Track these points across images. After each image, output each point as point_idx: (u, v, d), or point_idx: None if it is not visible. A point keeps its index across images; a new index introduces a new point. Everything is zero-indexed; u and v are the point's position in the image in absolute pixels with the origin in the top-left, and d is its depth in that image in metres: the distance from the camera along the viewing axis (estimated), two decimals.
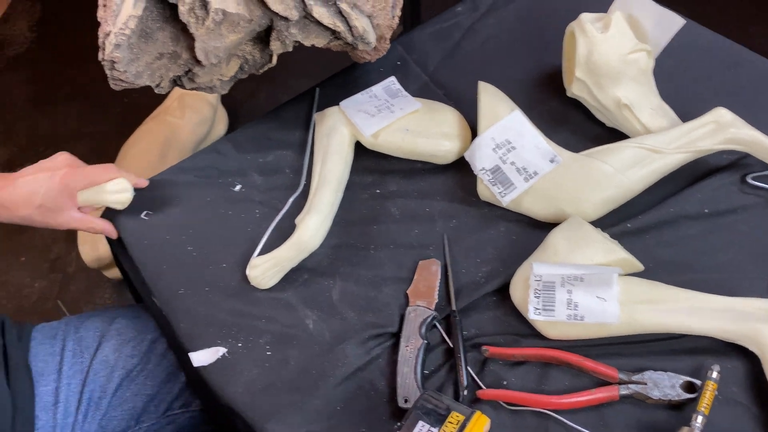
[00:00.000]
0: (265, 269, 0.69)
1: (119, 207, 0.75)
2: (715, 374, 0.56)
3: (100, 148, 1.92)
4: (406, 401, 0.60)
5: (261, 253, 0.71)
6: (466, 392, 0.61)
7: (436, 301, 0.67)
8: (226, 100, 1.81)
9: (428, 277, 0.69)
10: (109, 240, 0.81)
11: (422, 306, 0.66)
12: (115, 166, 0.77)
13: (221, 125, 1.78)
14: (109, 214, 0.78)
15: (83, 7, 2.32)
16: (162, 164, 1.24)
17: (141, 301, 0.89)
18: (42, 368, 0.80)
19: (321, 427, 0.61)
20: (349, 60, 0.84)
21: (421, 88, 0.85)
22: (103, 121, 1.96)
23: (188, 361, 0.68)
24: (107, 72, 0.71)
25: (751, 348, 0.59)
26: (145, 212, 0.78)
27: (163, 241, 0.75)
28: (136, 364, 0.82)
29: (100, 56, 0.69)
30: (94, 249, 1.44)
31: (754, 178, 0.73)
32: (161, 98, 1.76)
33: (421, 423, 0.52)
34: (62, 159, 0.75)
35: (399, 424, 0.52)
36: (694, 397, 0.57)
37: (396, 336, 0.65)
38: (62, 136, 1.95)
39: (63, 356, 0.81)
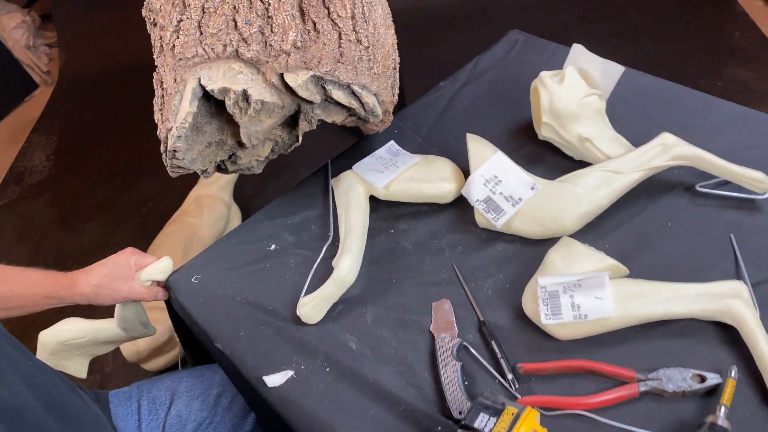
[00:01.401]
0: (313, 306, 0.82)
1: (161, 278, 0.90)
2: (733, 373, 0.67)
3: None
4: (460, 413, 0.70)
5: (306, 294, 0.84)
6: (515, 385, 0.71)
7: (457, 332, 0.79)
8: (237, 197, 1.98)
9: (444, 314, 0.82)
10: (170, 310, 0.94)
11: (447, 336, 0.79)
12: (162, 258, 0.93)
13: (236, 219, 1.94)
14: (169, 278, 0.92)
15: (95, 135, 2.56)
16: (186, 261, 1.38)
17: (201, 364, 1.01)
18: (123, 426, 0.90)
19: (392, 427, 0.71)
20: (343, 146, 1.00)
21: (417, 149, 1.02)
22: (124, 231, 2.12)
23: (257, 398, 0.78)
24: (167, 162, 0.86)
25: (728, 321, 0.71)
26: (194, 277, 0.92)
27: (214, 296, 0.88)
28: (205, 417, 0.92)
29: (162, 148, 0.85)
30: (133, 344, 1.54)
31: (702, 186, 0.88)
32: (176, 206, 1.93)
33: (482, 414, 0.62)
34: (127, 248, 0.91)
35: (464, 414, 0.63)
36: (704, 386, 0.67)
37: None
38: (87, 249, 2.09)
39: (140, 414, 0.92)
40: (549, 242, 0.83)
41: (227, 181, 1.96)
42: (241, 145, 0.89)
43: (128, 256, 0.89)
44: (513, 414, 0.62)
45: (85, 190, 2.33)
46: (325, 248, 0.91)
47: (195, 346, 1.03)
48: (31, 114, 2.84)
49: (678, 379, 0.69)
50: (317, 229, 0.95)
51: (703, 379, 0.68)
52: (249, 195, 2.07)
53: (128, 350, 1.54)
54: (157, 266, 0.90)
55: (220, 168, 0.96)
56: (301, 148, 1.19)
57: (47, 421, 0.65)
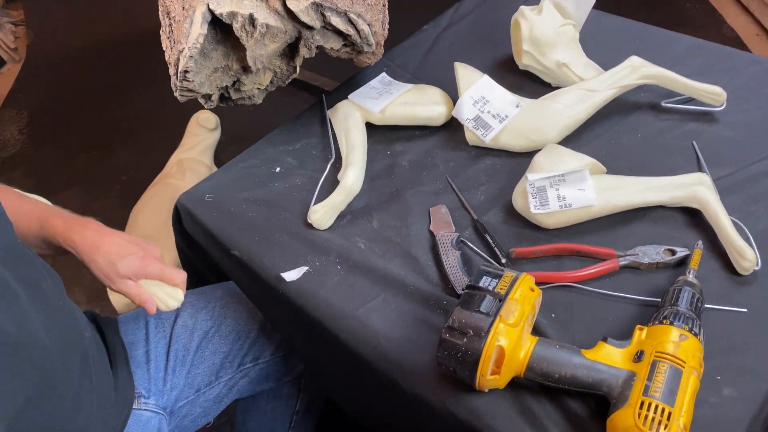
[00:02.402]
0: (324, 213, 0.89)
1: (162, 307, 0.83)
2: (699, 244, 0.76)
3: (108, 220, 2.08)
4: (463, 290, 0.77)
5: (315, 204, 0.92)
6: (508, 267, 0.80)
7: (454, 229, 0.88)
8: (218, 163, 2.03)
9: (441, 216, 0.90)
10: (177, 225, 1.00)
11: (446, 232, 0.87)
12: (183, 275, 0.85)
13: None
14: (179, 197, 0.97)
15: (68, 109, 2.56)
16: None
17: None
18: (132, 339, 0.95)
19: (400, 306, 0.79)
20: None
21: (407, 83, 1.10)
22: (104, 199, 2.14)
23: (273, 296, 0.85)
24: (177, 84, 0.92)
25: (694, 205, 0.81)
26: (207, 195, 0.98)
27: (228, 211, 0.95)
28: (211, 326, 0.98)
29: (172, 71, 0.91)
30: (123, 297, 1.57)
31: (667, 102, 0.98)
32: (155, 174, 1.97)
33: (485, 277, 0.70)
34: (154, 249, 0.85)
35: (469, 279, 0.71)
36: (674, 258, 0.77)
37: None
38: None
39: (147, 329, 0.97)
40: (533, 155, 0.91)
41: (207, 145, 2.00)
42: (245, 70, 0.95)
43: (144, 261, 0.82)
44: (512, 277, 0.70)
45: (62, 161, 2.33)
46: (329, 166, 0.98)
47: (200, 272, 1.09)
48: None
49: (652, 253, 0.78)
50: (318, 153, 1.02)
51: (673, 253, 0.78)
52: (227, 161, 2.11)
53: (119, 303, 1.57)
54: (173, 292, 0.83)
55: (224, 97, 1.02)
56: (276, 114, 1.25)
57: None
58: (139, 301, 0.82)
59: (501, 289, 0.69)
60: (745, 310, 0.72)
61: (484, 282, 0.70)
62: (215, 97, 1.01)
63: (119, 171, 2.22)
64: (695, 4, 2.43)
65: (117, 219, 1.88)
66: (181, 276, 0.85)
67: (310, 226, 0.90)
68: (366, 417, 0.92)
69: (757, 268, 0.74)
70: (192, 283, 1.12)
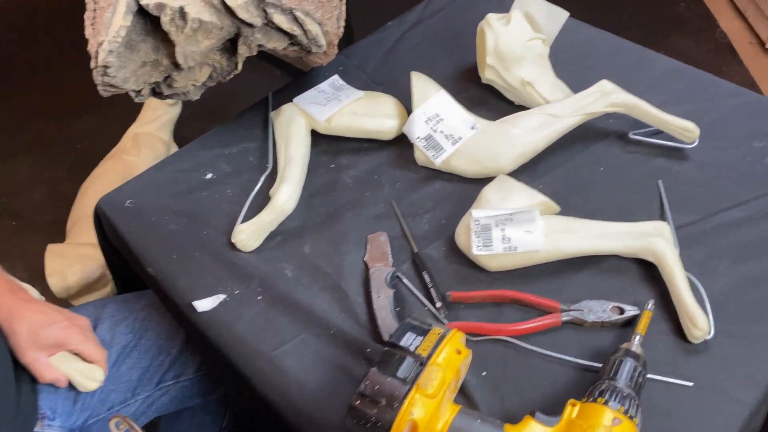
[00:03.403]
0: (250, 233, 0.81)
1: (80, 388, 0.80)
2: (650, 305, 0.69)
3: (57, 193, 2.00)
4: (390, 336, 0.70)
5: (242, 222, 0.83)
6: (444, 312, 0.73)
7: (391, 261, 0.80)
8: (177, 138, 1.93)
9: (379, 246, 0.82)
10: (99, 229, 0.92)
11: (381, 266, 0.79)
12: (103, 353, 0.82)
13: None
14: (100, 200, 0.89)
15: (24, 74, 2.43)
16: None
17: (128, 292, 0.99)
18: None
19: (320, 350, 0.72)
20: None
21: (362, 86, 1.00)
22: (59, 167, 2.04)
23: (186, 322, 0.78)
24: (98, 79, 0.83)
25: (649, 258, 0.74)
26: (128, 201, 0.89)
27: (148, 221, 0.86)
28: (130, 341, 0.91)
29: (92, 64, 0.82)
30: (62, 279, 1.49)
31: (634, 134, 0.91)
32: (112, 144, 1.87)
33: (408, 333, 0.63)
34: (81, 319, 0.83)
35: (391, 334, 0.64)
36: (622, 318, 0.70)
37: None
38: (20, 183, 2.01)
39: None
40: (485, 181, 0.84)
41: (167, 120, 1.90)
42: (177, 66, 0.86)
43: (67, 331, 0.79)
44: (439, 334, 0.63)
45: (16, 125, 2.22)
46: (263, 178, 0.89)
47: (126, 276, 1.01)
48: None
49: (598, 310, 0.72)
50: (255, 160, 0.94)
51: (621, 311, 0.71)
52: (190, 136, 2.01)
53: (57, 286, 1.50)
54: (91, 372, 0.80)
55: (155, 91, 0.93)
56: (244, 89, 1.16)
57: None
58: (46, 379, 0.78)
59: (424, 349, 0.62)
60: (691, 384, 0.66)
61: (407, 339, 0.63)
62: (145, 92, 0.91)
63: (74, 139, 2.11)
64: (690, 5, 2.34)
65: (66, 192, 1.79)
66: (102, 354, 0.81)
67: (234, 246, 0.82)
68: None
69: (708, 337, 0.68)
70: (117, 288, 1.05)
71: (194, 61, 0.86)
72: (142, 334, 0.92)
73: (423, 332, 0.63)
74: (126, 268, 0.95)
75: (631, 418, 0.59)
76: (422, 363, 0.60)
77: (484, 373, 0.69)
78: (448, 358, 0.62)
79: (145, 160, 1.80)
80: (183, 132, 1.95)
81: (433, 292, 0.76)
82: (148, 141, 1.86)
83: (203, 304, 0.76)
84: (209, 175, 0.92)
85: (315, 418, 0.67)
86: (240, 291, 0.78)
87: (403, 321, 0.65)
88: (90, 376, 0.79)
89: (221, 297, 0.77)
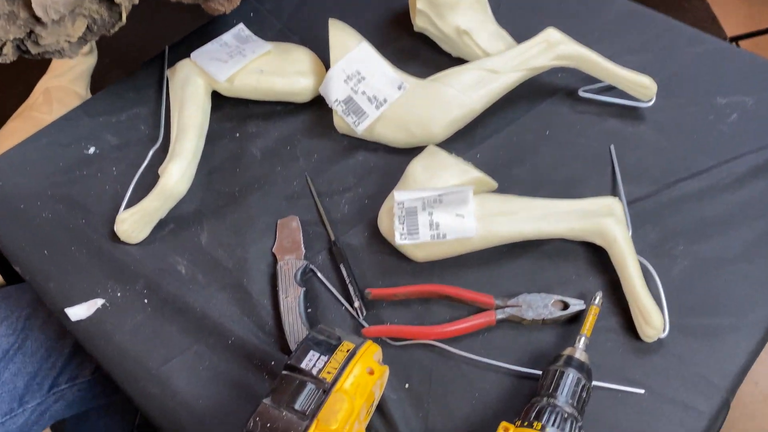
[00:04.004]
0: (134, 222, 0.68)
1: None
2: (598, 299, 0.60)
3: None
4: (289, 357, 0.59)
5: (126, 208, 0.70)
6: (362, 312, 0.63)
7: (304, 252, 0.68)
8: (95, 92, 1.75)
9: (290, 233, 0.70)
10: None
11: (291, 258, 0.68)
12: None
13: None
14: None
15: None
16: None
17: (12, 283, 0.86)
18: None
19: (216, 365, 0.61)
20: None
21: (276, 36, 0.87)
22: None
23: (64, 328, 0.66)
24: None
25: (598, 242, 0.65)
26: None
27: (17, 210, 0.73)
28: (13, 343, 0.79)
29: None
30: None
31: (584, 91, 0.79)
32: (19, 101, 1.68)
33: (312, 352, 0.52)
34: None
35: (290, 355, 0.53)
36: (565, 314, 0.61)
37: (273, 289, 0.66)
38: None
39: None
40: (415, 151, 0.72)
41: (81, 71, 1.70)
42: (38, 20, 0.70)
43: None
44: (348, 351, 0.53)
45: None
46: (151, 153, 0.76)
47: (6, 266, 0.88)
48: None
49: (539, 305, 0.62)
50: (147, 129, 0.79)
51: (565, 306, 0.62)
52: None
53: None
54: None
55: (21, 49, 0.77)
56: (174, 32, 0.99)
57: None
58: None
59: (329, 371, 0.51)
60: (642, 391, 0.57)
61: (309, 360, 0.52)
62: (8, 50, 0.75)
63: None
64: None
65: None
66: None
67: (118, 237, 0.69)
68: None
69: (662, 336, 0.59)
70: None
71: (58, 13, 0.70)
72: (27, 335, 0.80)
73: (330, 349, 0.53)
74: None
75: None
76: (325, 390, 0.50)
77: (407, 386, 0.59)
78: (357, 382, 0.51)
79: (57, 116, 1.63)
80: (102, 84, 1.76)
81: (350, 288, 0.65)
82: (60, 95, 1.66)
83: (77, 312, 0.64)
84: (92, 150, 0.78)
85: None
86: (123, 293, 0.66)
87: (306, 336, 0.54)
88: None
89: (99, 302, 0.65)
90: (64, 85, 1.69)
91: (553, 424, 0.51)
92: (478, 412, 0.57)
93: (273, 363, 0.60)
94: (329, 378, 0.51)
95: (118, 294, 0.66)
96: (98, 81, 1.77)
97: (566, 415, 0.51)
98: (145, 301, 0.65)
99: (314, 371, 0.51)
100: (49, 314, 0.81)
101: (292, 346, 0.61)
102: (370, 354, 0.53)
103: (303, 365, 0.52)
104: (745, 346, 0.59)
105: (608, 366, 0.58)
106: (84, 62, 1.74)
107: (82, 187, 0.74)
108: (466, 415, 0.57)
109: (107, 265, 0.68)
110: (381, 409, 0.57)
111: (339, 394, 0.50)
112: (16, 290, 0.84)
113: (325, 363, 0.52)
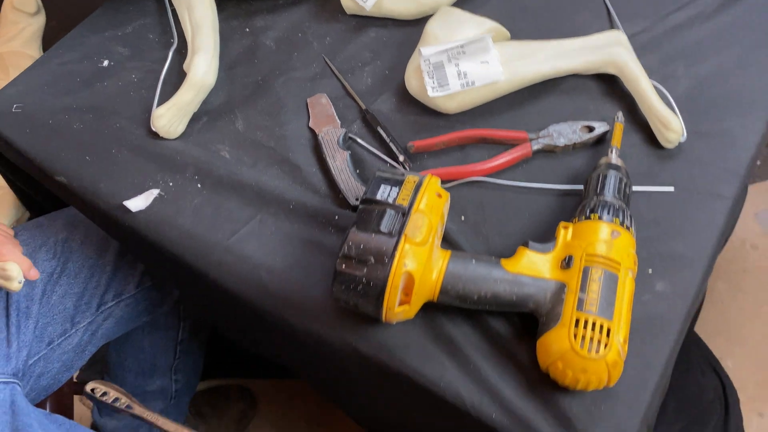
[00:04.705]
0: (171, 117, 0.70)
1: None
2: (620, 117, 0.65)
3: None
4: (357, 199, 0.64)
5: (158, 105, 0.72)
6: (408, 166, 0.67)
7: (339, 123, 0.71)
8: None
9: (322, 109, 0.73)
10: None
11: (330, 129, 0.71)
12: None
13: None
14: None
15: None
16: None
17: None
18: None
19: (282, 229, 0.65)
20: None
21: None
22: None
23: (120, 228, 0.68)
24: None
25: (610, 71, 0.69)
26: (15, 106, 0.75)
27: (45, 125, 0.73)
28: (55, 267, 0.80)
29: None
30: None
31: None
32: None
33: (383, 186, 0.56)
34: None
35: (364, 191, 0.56)
36: (593, 135, 0.66)
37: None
38: None
39: None
40: (424, 22, 0.75)
41: (31, 34, 1.65)
42: None
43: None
44: (415, 182, 0.57)
45: None
46: (171, 54, 0.77)
47: (34, 199, 0.88)
48: None
49: (568, 132, 0.67)
50: (156, 37, 0.80)
51: (591, 129, 0.68)
52: None
53: None
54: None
55: None
56: None
57: None
58: None
59: (403, 199, 0.56)
60: (672, 188, 0.64)
61: (383, 193, 0.56)
62: None
63: None
64: None
65: None
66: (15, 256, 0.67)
67: (157, 135, 0.71)
68: (259, 348, 0.80)
69: (682, 140, 0.66)
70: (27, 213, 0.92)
71: None
72: (67, 257, 0.81)
73: (397, 183, 0.57)
74: (33, 186, 0.83)
75: (627, 228, 0.56)
76: (404, 213, 0.55)
77: (462, 218, 0.64)
78: (431, 203, 0.56)
79: None
80: (53, 42, 1.71)
81: (392, 146, 0.69)
82: (15, 61, 1.61)
83: (136, 203, 0.66)
84: (105, 62, 0.78)
85: (292, 299, 0.61)
86: (174, 183, 0.68)
87: (373, 176, 0.58)
88: (7, 276, 0.65)
89: (155, 192, 0.67)
90: (17, 50, 1.64)
91: (608, 214, 0.57)
92: (533, 228, 0.63)
93: (337, 217, 0.64)
94: (405, 203, 0.55)
95: (170, 184, 0.68)
96: (50, 41, 1.72)
97: (617, 207, 0.57)
98: (198, 186, 0.68)
99: (390, 200, 0.56)
100: (85, 235, 0.83)
101: (351, 201, 0.65)
102: (435, 182, 0.58)
103: (378, 197, 0.56)
104: (753, 138, 0.66)
105: (638, 174, 0.64)
106: (33, 23, 1.69)
107: (106, 96, 0.75)
108: (521, 232, 0.62)
109: (152, 161, 0.70)
110: (446, 238, 0.62)
111: (418, 214, 0.55)
112: (47, 219, 0.85)
113: (398, 193, 0.56)
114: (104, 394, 0.74)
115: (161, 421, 0.71)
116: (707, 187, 0.64)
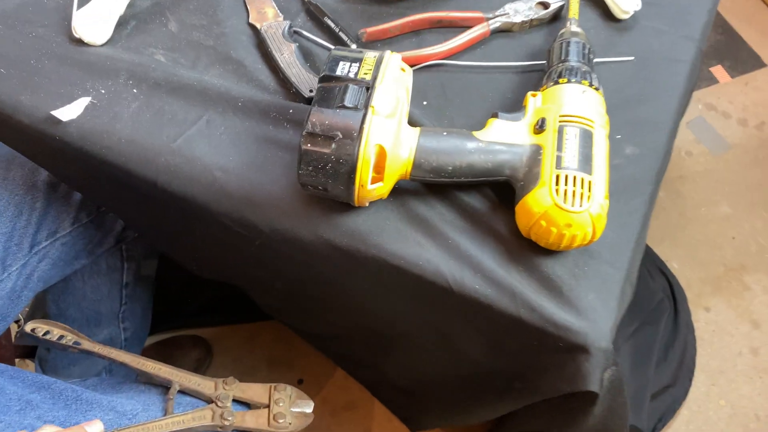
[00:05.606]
0: (95, 21, 0.63)
1: None
2: None
3: None
4: (311, 91, 0.60)
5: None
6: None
7: (282, 17, 0.67)
8: None
9: (260, 3, 0.67)
10: None
11: (272, 22, 0.66)
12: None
13: None
14: None
15: None
16: None
17: None
18: None
19: (233, 127, 0.60)
20: None
21: None
22: None
23: (50, 144, 0.61)
24: None
25: None
26: None
27: None
28: None
29: None
30: None
31: None
32: None
33: (342, 62, 0.52)
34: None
35: (321, 71, 0.52)
36: (549, 12, 0.65)
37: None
38: None
39: None
40: None
41: None
42: None
43: None
44: (375, 59, 0.53)
45: None
46: None
47: None
48: None
49: (524, 9, 0.66)
50: None
51: (546, 6, 0.66)
52: None
53: None
54: None
55: None
56: None
57: None
58: None
59: (365, 74, 0.52)
60: (632, 57, 0.63)
61: (342, 69, 0.52)
62: None
63: None
64: None
65: None
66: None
67: (81, 42, 0.64)
68: (217, 273, 0.75)
69: (637, 9, 0.65)
70: None
71: None
72: None
73: (356, 60, 0.53)
74: None
75: (597, 89, 0.55)
76: (368, 87, 0.51)
77: (425, 103, 0.61)
78: (395, 77, 0.53)
79: None
80: None
81: (342, 35, 0.65)
82: None
83: (66, 112, 0.59)
84: None
85: (252, 197, 0.56)
86: (107, 89, 0.62)
87: (329, 53, 0.54)
88: None
89: (86, 100, 0.60)
90: None
91: (575, 77, 0.55)
92: (496, 107, 0.60)
93: (291, 111, 0.60)
94: (368, 77, 0.52)
95: (102, 91, 0.61)
96: None
97: (584, 70, 0.56)
98: (134, 91, 0.62)
99: (351, 76, 0.52)
100: (7, 168, 0.75)
101: (306, 93, 0.61)
102: (397, 57, 0.54)
103: (338, 73, 0.52)
104: (705, 4, 0.66)
105: (598, 47, 0.63)
106: None
107: (14, 4, 0.67)
108: (486, 110, 0.59)
109: (79, 68, 0.63)
110: (409, 123, 0.59)
111: (383, 86, 0.51)
112: None
113: (358, 68, 0.52)
114: (47, 333, 0.67)
115: (115, 353, 0.66)
116: (665, 54, 0.63)
